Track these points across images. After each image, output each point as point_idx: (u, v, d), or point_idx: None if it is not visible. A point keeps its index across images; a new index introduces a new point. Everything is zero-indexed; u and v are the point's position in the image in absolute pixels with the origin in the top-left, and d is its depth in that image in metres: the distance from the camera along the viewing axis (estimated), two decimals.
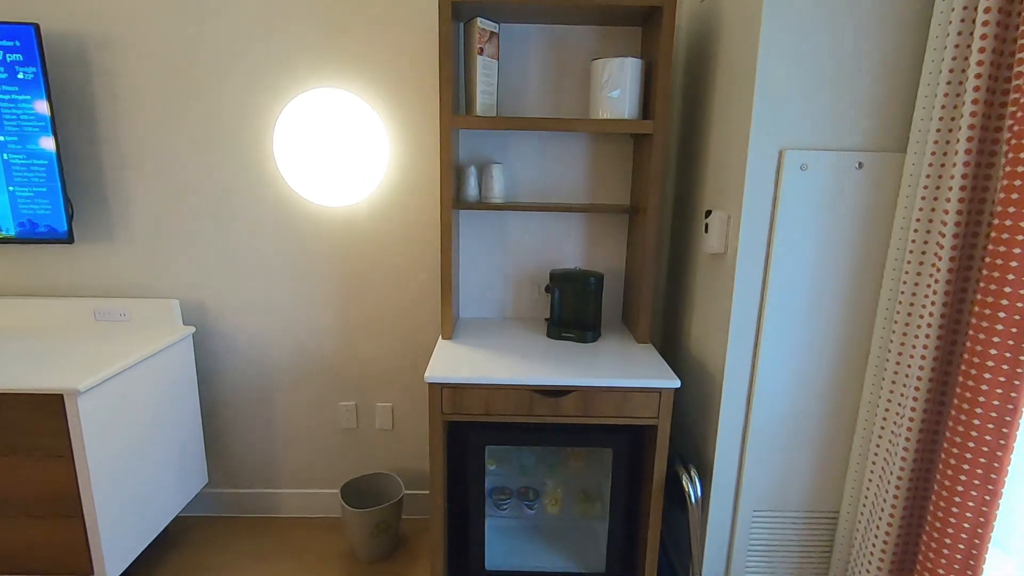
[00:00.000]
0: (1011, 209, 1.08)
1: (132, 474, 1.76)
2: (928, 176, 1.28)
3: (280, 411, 2.22)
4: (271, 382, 2.19)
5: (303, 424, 2.23)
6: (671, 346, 2.00)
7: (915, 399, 1.31)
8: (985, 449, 1.16)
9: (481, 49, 1.66)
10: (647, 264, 1.75)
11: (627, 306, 1.99)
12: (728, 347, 1.52)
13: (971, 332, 1.16)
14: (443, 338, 1.80)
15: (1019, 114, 1.06)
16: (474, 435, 1.62)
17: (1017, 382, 1.10)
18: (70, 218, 1.91)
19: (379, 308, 2.12)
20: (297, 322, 2.13)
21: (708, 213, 1.60)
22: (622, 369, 1.58)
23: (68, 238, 1.90)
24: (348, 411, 2.22)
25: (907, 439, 1.33)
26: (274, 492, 2.29)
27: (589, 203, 1.97)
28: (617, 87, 1.66)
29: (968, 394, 1.17)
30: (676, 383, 1.52)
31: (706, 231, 1.61)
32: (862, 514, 1.50)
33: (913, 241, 1.33)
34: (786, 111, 1.38)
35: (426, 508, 2.32)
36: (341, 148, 1.94)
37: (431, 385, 1.53)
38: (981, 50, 1.14)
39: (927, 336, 1.27)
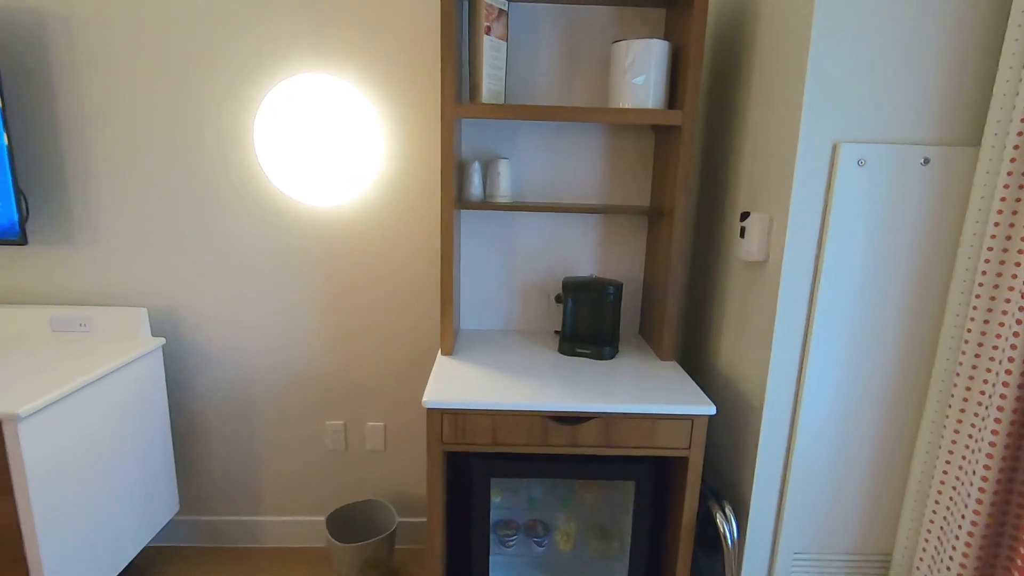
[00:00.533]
0: None
1: (88, 506, 1.54)
2: (1010, 173, 1.10)
3: (261, 431, 2.01)
4: (251, 399, 1.98)
5: (286, 445, 2.03)
6: (695, 364, 1.81)
7: (995, 432, 1.12)
8: None
9: (488, 28, 1.47)
10: (673, 272, 1.56)
11: (646, 319, 1.80)
12: (770, 368, 1.33)
13: None
14: (443, 354, 1.60)
15: None
16: (478, 465, 1.42)
17: None
18: (24, 217, 1.70)
19: (371, 318, 1.92)
20: (280, 333, 1.93)
21: (744, 215, 1.42)
22: (648, 392, 1.39)
23: (20, 239, 1.69)
24: (336, 431, 2.01)
25: (984, 478, 1.14)
26: (253, 520, 2.08)
27: (605, 204, 1.78)
28: (641, 73, 1.48)
29: None
30: (711, 409, 1.33)
31: (742, 236, 1.42)
32: (922, 559, 1.32)
33: (990, 249, 1.14)
34: (841, 98, 1.20)
35: (422, 537, 2.11)
36: (329, 141, 1.74)
37: (429, 411, 1.33)
38: None
39: (1010, 360, 1.09)
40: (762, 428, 1.36)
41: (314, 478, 2.06)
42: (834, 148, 1.22)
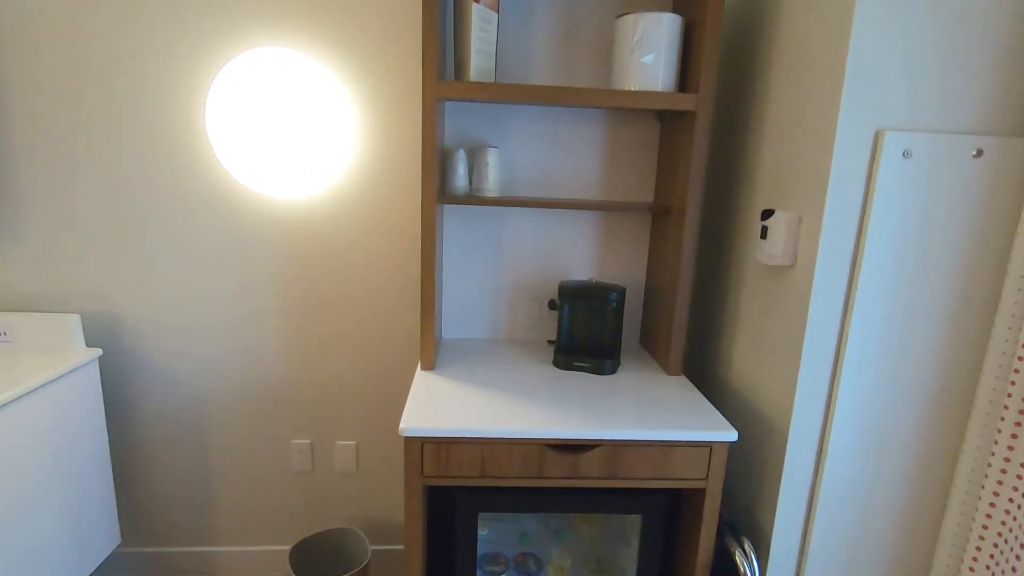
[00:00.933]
0: None
1: (7, 545, 1.30)
2: None
3: (216, 451, 1.78)
4: (204, 415, 1.75)
5: (245, 467, 1.80)
6: (702, 378, 1.65)
7: None
8: None
9: None
10: (683, 277, 1.39)
11: (649, 328, 1.63)
12: (797, 386, 1.17)
13: None
14: (423, 369, 1.40)
15: None
16: (464, 500, 1.23)
17: None
18: None
19: (342, 324, 1.71)
20: (238, 341, 1.70)
21: (766, 214, 1.25)
22: (658, 414, 1.22)
23: None
24: (302, 451, 1.80)
25: None
26: (206, 551, 1.85)
27: (605, 200, 1.60)
28: (651, 51, 1.30)
29: None
30: (732, 435, 1.16)
31: (763, 237, 1.26)
32: None
33: None
34: (885, 80, 1.04)
35: (399, 566, 1.91)
36: (294, 126, 1.53)
37: (408, 440, 1.13)
38: None
39: None
40: (787, 454, 1.20)
41: (277, 504, 1.84)
42: (876, 137, 1.06)
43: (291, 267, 1.66)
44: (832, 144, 1.07)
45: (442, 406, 1.20)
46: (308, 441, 1.80)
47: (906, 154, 1.06)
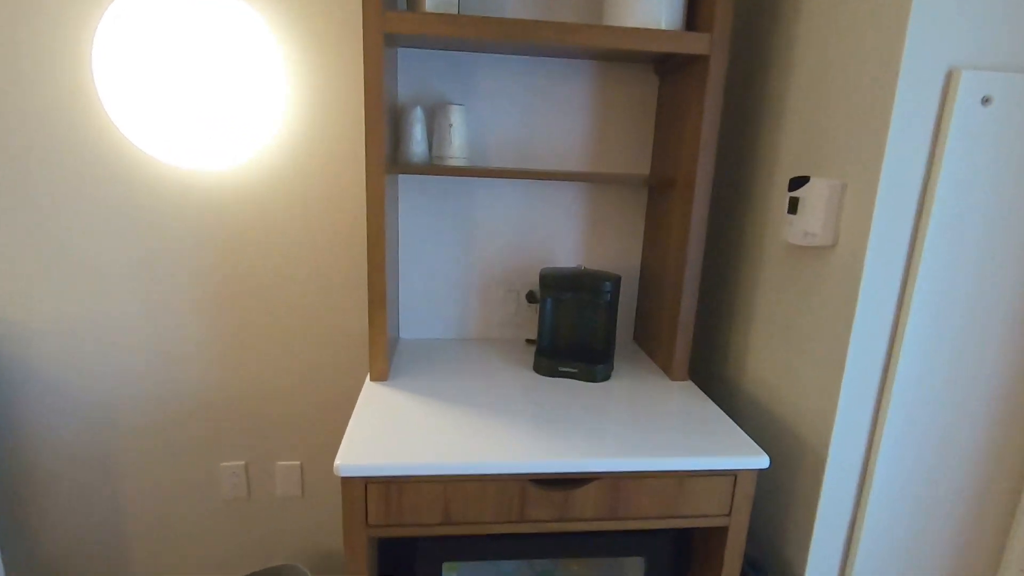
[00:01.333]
0: None
1: None
2: None
3: (128, 479, 1.48)
4: (113, 436, 1.44)
5: (166, 496, 1.50)
6: (706, 383, 1.41)
7: None
8: None
9: None
10: (689, 263, 1.15)
11: (646, 323, 1.39)
12: (840, 395, 0.94)
13: None
14: (372, 379, 1.13)
15: None
16: (426, 548, 0.97)
17: None
18: None
19: (277, 322, 1.42)
20: (151, 344, 1.40)
21: (797, 183, 1.01)
22: (669, 436, 0.97)
23: None
24: (235, 474, 1.51)
25: None
26: None
27: (593, 171, 1.34)
28: None
29: None
30: (763, 461, 0.92)
31: (792, 211, 1.02)
32: None
33: None
34: (957, 8, 0.80)
35: None
36: (209, 80, 1.22)
37: (346, 480, 0.85)
38: None
39: None
40: (824, 478, 0.97)
41: (206, 538, 1.55)
42: (948, 78, 0.83)
43: (212, 254, 1.36)
44: (893, 88, 0.83)
45: (394, 431, 0.93)
46: (242, 462, 1.51)
47: (986, 100, 0.83)
